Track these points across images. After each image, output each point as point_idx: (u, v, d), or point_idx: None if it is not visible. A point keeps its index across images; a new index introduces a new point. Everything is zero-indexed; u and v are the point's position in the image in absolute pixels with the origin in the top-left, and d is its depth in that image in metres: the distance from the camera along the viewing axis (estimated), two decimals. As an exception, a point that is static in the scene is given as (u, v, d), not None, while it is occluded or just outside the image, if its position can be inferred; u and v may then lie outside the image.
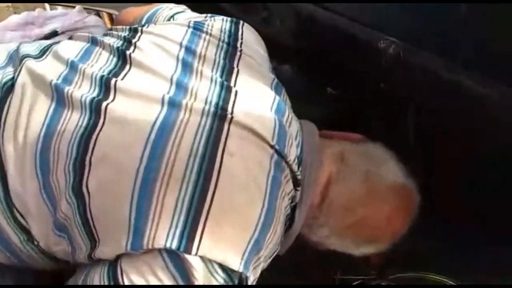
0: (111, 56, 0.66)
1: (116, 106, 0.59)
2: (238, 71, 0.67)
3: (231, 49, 0.69)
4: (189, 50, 0.67)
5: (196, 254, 0.52)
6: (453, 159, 0.72)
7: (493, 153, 0.67)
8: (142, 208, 0.53)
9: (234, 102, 0.61)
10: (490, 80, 0.63)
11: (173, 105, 0.58)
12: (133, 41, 0.68)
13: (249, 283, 0.56)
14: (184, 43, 0.68)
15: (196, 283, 0.52)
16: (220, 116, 0.58)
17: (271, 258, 0.64)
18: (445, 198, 0.75)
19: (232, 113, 0.59)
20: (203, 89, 0.62)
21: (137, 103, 0.59)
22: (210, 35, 0.70)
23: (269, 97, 0.66)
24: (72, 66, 0.64)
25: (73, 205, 0.57)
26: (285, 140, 0.61)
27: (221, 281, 0.54)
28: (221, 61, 0.67)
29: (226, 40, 0.70)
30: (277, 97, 0.66)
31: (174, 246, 0.52)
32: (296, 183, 0.63)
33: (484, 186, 0.70)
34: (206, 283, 0.53)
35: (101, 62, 0.65)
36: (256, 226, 0.55)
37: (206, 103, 0.60)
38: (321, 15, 0.76)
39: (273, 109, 0.64)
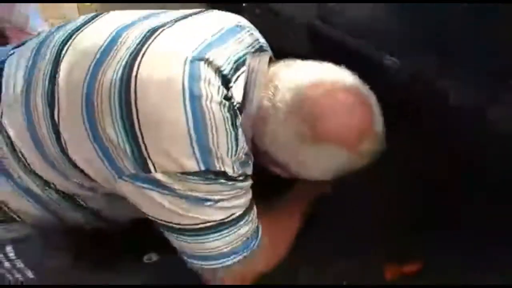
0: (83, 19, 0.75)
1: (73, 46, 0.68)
2: (184, 17, 0.71)
3: (190, 14, 0.74)
4: (153, 13, 0.74)
5: (157, 171, 0.60)
6: (453, 169, 0.73)
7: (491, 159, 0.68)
8: (103, 148, 0.63)
9: (165, 27, 0.66)
10: (491, 96, 0.64)
11: (114, 38, 0.65)
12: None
13: (235, 174, 0.63)
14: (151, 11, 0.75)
15: (185, 192, 0.61)
16: (145, 37, 0.64)
17: (247, 150, 0.66)
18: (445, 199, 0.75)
19: (156, 37, 0.64)
20: (153, 21, 0.69)
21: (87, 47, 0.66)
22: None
23: (215, 28, 0.69)
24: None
25: (54, 142, 0.67)
26: (215, 47, 0.64)
27: (200, 181, 0.61)
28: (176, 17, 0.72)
29: (188, 12, 0.74)
30: (226, 29, 0.70)
31: (139, 172, 0.61)
32: (225, 79, 0.64)
33: (484, 187, 0.70)
34: (189, 191, 0.61)
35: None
36: (189, 131, 0.59)
37: (142, 31, 0.66)
38: (328, 32, 0.81)
39: (214, 35, 0.67)
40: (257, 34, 0.76)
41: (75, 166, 0.68)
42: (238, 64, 0.66)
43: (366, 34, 0.73)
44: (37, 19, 1.32)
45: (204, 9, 0.77)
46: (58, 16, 2.07)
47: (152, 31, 0.65)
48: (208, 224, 0.64)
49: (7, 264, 0.76)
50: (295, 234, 0.78)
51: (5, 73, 0.72)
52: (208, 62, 0.62)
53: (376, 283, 0.88)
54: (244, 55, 0.68)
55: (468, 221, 0.75)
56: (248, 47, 0.71)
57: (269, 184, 0.74)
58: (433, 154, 0.75)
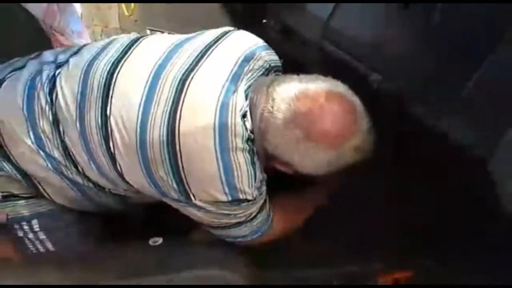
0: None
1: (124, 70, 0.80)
2: (209, 54, 0.81)
3: (211, 43, 0.84)
4: (182, 42, 0.84)
5: (196, 200, 0.77)
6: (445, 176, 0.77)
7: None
8: (155, 182, 0.78)
9: (196, 71, 0.77)
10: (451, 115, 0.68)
11: (152, 86, 0.77)
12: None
13: (254, 197, 0.78)
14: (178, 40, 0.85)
15: (216, 211, 0.78)
16: (178, 90, 0.75)
17: (262, 177, 0.80)
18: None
19: (188, 87, 0.75)
20: (179, 60, 0.79)
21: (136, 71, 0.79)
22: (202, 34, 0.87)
23: (234, 59, 0.80)
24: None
25: (110, 166, 0.80)
26: (234, 88, 0.76)
27: (228, 206, 0.77)
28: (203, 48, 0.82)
29: (209, 41, 0.84)
30: (243, 58, 0.81)
31: (182, 199, 0.78)
32: (244, 115, 0.76)
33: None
34: (222, 211, 0.79)
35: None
36: (220, 175, 0.74)
37: (179, 68, 0.77)
38: (340, 56, 0.88)
39: (232, 71, 0.78)
40: (265, 53, 0.86)
41: (127, 183, 0.82)
42: (246, 95, 0.78)
43: (358, 52, 0.81)
44: (78, 26, 1.45)
45: (226, 30, 0.87)
46: (100, 24, 2.24)
47: (183, 82, 0.76)
48: (229, 224, 0.83)
49: (31, 235, 0.87)
50: (299, 223, 0.94)
51: (57, 91, 0.82)
52: (233, 109, 0.74)
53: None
54: (251, 84, 0.80)
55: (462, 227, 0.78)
56: (259, 69, 0.83)
57: (285, 181, 0.87)
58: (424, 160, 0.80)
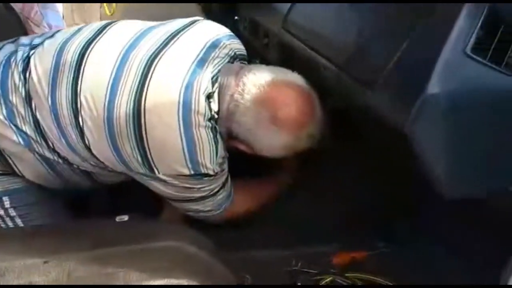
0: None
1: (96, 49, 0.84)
2: (177, 39, 0.86)
3: (180, 30, 0.88)
4: (151, 28, 0.89)
5: (159, 173, 0.82)
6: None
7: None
8: (120, 156, 0.82)
9: (164, 53, 0.81)
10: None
11: (120, 67, 0.80)
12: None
13: (215, 173, 0.83)
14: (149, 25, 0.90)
15: (179, 184, 0.83)
16: (145, 72, 0.79)
17: (223, 154, 0.85)
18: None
19: (155, 68, 0.79)
20: (148, 43, 0.84)
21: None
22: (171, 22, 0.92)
23: (200, 46, 0.85)
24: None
25: (79, 139, 0.83)
26: (200, 71, 0.81)
27: (190, 179, 0.82)
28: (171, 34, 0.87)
29: (178, 27, 0.89)
30: (208, 45, 0.85)
31: (147, 173, 0.82)
32: (208, 96, 0.81)
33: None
34: (185, 184, 0.83)
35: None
36: (183, 150, 0.79)
37: (147, 50, 0.82)
38: (296, 46, 0.95)
39: (198, 56, 0.83)
40: (231, 42, 0.91)
41: (95, 157, 0.85)
42: (215, 79, 0.83)
43: (315, 43, 0.87)
44: (57, 21, 1.49)
45: (195, 19, 0.93)
46: (81, 22, 2.28)
47: (151, 62, 0.80)
48: (192, 198, 0.88)
49: (1, 212, 0.90)
50: (261, 203, 1.00)
51: (31, 69, 0.86)
52: (197, 89, 0.79)
53: (325, 267, 0.98)
54: (219, 70, 0.85)
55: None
56: (224, 57, 0.88)
57: (249, 164, 0.93)
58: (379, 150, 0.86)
